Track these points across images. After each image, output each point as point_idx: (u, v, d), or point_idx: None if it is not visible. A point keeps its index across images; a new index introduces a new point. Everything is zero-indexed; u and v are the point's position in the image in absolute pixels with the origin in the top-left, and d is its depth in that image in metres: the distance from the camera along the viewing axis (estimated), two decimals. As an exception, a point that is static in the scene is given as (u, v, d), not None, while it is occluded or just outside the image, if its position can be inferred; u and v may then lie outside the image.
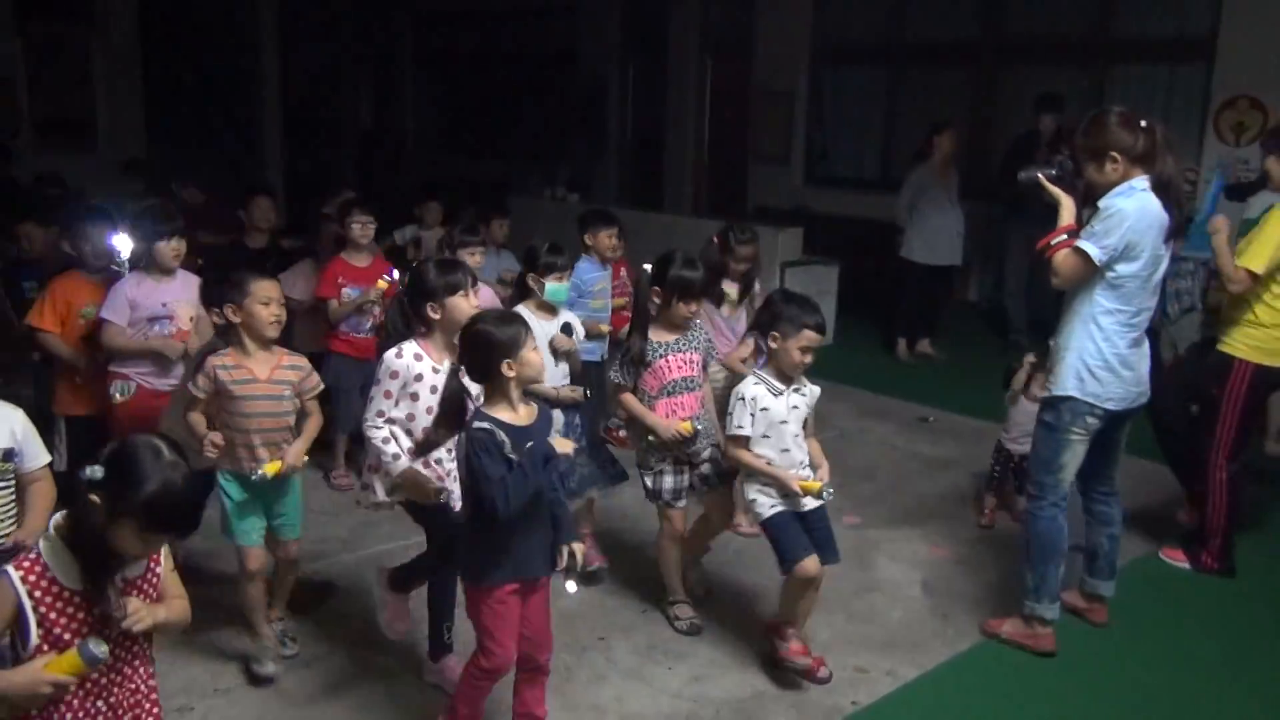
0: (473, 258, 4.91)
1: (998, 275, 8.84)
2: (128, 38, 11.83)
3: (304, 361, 3.69)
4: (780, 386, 3.62)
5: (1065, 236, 3.63)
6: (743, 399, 3.59)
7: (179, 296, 4.31)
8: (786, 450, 3.62)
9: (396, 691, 3.57)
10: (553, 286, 4.24)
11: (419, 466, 3.40)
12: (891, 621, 4.15)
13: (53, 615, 2.13)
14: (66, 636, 2.14)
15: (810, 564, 3.53)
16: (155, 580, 2.32)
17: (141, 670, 2.34)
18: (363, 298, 5.23)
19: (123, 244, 4.42)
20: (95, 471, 2.13)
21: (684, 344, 3.97)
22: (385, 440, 3.39)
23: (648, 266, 4.07)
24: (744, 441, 3.60)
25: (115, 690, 2.26)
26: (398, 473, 3.38)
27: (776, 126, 11.12)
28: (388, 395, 3.40)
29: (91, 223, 4.43)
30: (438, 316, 3.44)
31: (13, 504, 2.89)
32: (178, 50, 12.43)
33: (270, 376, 3.55)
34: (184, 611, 2.38)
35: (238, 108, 13.50)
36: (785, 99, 11.03)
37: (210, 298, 3.78)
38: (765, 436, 3.60)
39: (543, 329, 4.31)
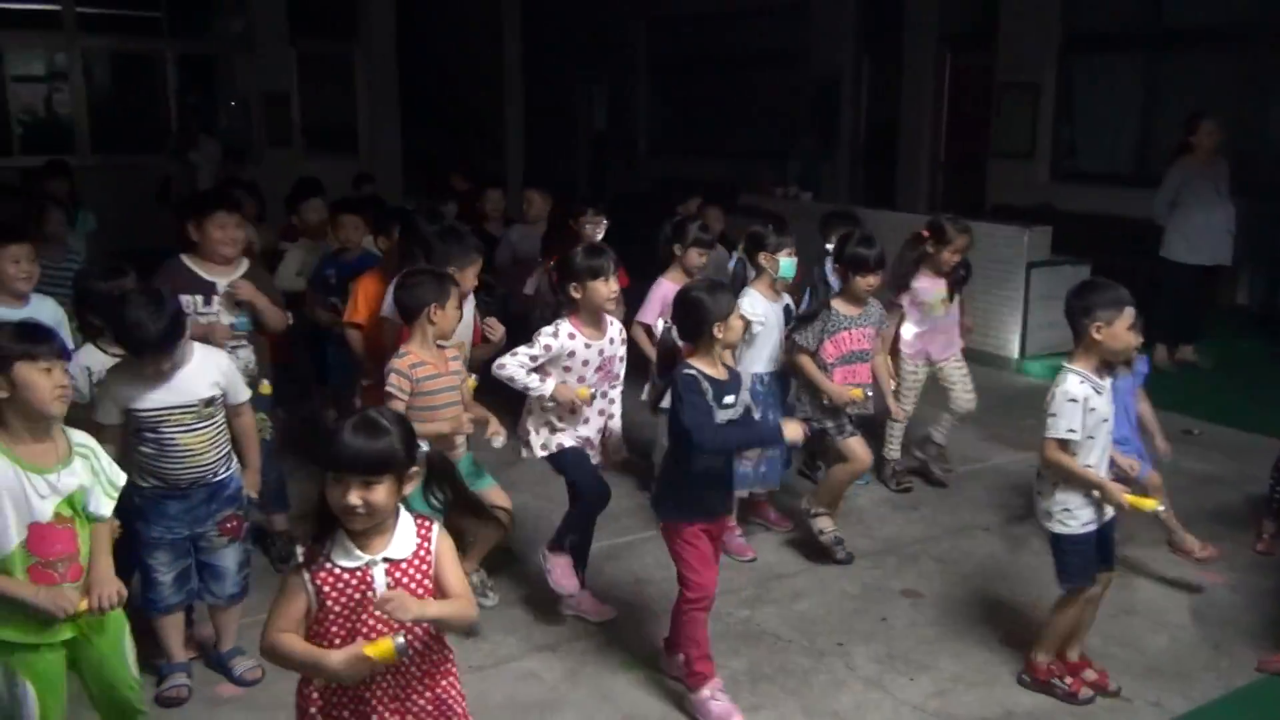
0: (701, 258, 4.96)
1: (1273, 276, 8.09)
2: (386, 51, 12.73)
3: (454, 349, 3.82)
4: (1101, 381, 3.28)
5: None
6: (1074, 400, 3.22)
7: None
8: (1104, 448, 3.35)
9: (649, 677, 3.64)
10: (786, 262, 4.54)
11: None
12: (1154, 648, 3.87)
13: (329, 591, 2.29)
14: (337, 609, 2.29)
15: (1094, 589, 3.46)
16: (425, 568, 2.35)
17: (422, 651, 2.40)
18: None
19: None
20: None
21: (864, 319, 4.45)
22: (512, 374, 3.71)
23: (830, 245, 4.52)
24: (1069, 446, 3.26)
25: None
26: (550, 390, 3.72)
27: (1021, 120, 10.61)
28: (534, 359, 3.74)
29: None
30: (578, 295, 3.78)
31: (225, 434, 3.42)
32: (430, 61, 13.27)
33: (448, 369, 3.68)
34: (462, 611, 2.39)
35: (484, 113, 14.23)
36: (1031, 91, 10.51)
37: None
38: (1090, 438, 3.26)
39: (771, 309, 4.56)
